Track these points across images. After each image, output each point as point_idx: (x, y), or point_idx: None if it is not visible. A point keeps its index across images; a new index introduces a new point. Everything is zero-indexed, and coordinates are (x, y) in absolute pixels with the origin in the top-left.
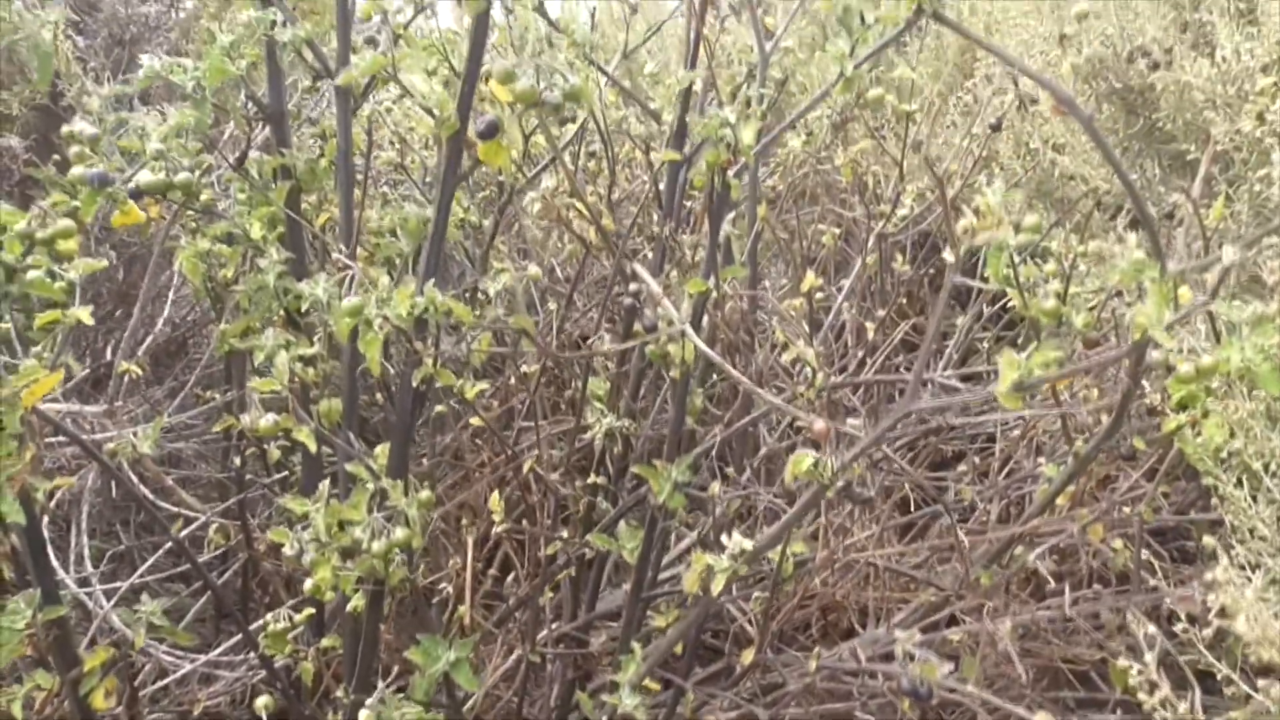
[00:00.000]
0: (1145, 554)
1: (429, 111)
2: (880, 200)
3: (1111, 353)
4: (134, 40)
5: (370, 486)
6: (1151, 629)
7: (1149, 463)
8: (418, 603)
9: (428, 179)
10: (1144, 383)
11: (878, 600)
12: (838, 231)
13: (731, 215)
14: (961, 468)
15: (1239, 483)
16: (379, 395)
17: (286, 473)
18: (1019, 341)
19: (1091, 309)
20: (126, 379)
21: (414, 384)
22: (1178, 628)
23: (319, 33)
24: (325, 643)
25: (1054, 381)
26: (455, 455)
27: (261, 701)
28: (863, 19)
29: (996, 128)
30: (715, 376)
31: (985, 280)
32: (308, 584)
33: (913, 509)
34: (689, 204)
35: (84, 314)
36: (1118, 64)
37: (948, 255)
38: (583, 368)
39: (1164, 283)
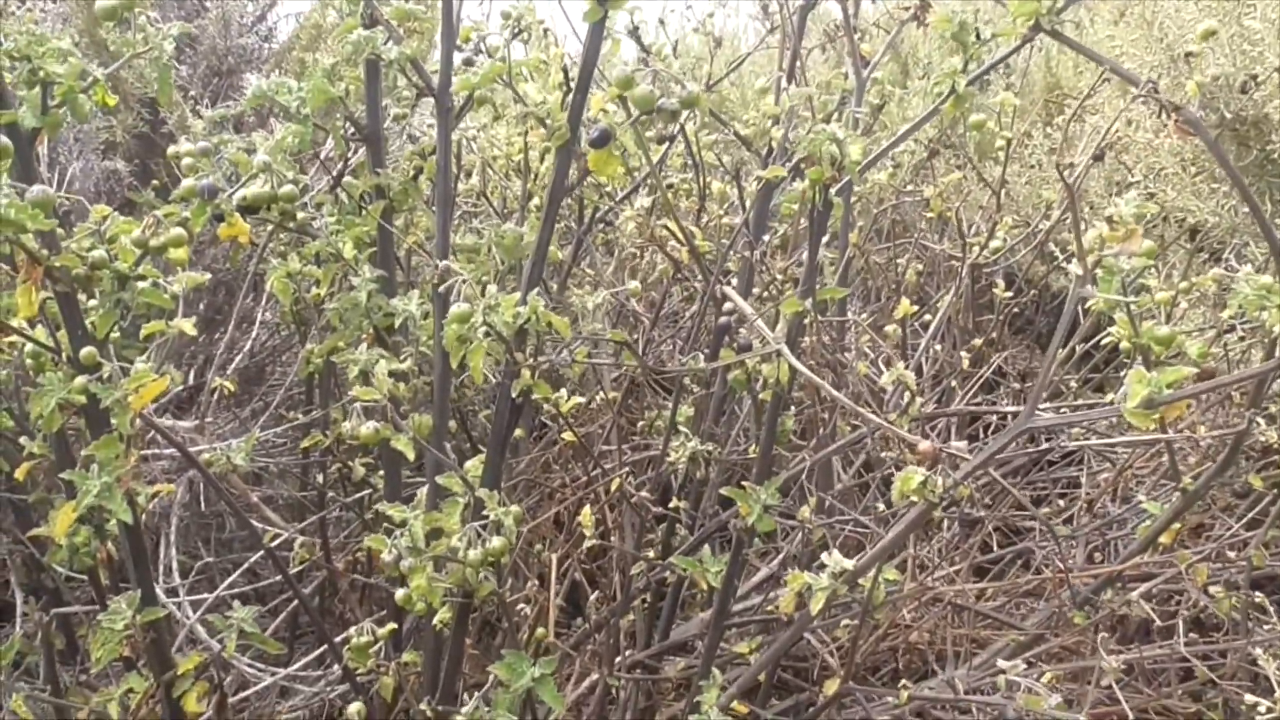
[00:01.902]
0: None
1: (541, 121)
2: (966, 235)
3: (1240, 373)
4: (230, 71)
5: (463, 499)
6: None
7: (1249, 511)
8: (504, 615)
9: (507, 208)
10: (1258, 420)
11: (957, 640)
12: (920, 268)
13: (825, 239)
14: (1045, 510)
15: None
16: (452, 423)
17: (369, 490)
18: (1103, 387)
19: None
20: (216, 396)
21: (512, 395)
22: None
23: (421, 51)
24: (406, 657)
25: (1182, 399)
26: (530, 482)
27: (354, 708)
28: (978, 35)
29: (1099, 158)
30: (794, 408)
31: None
32: (399, 594)
33: (994, 551)
34: (766, 237)
35: (187, 325)
36: (1230, 94)
37: (1074, 268)
38: (673, 388)
39: None
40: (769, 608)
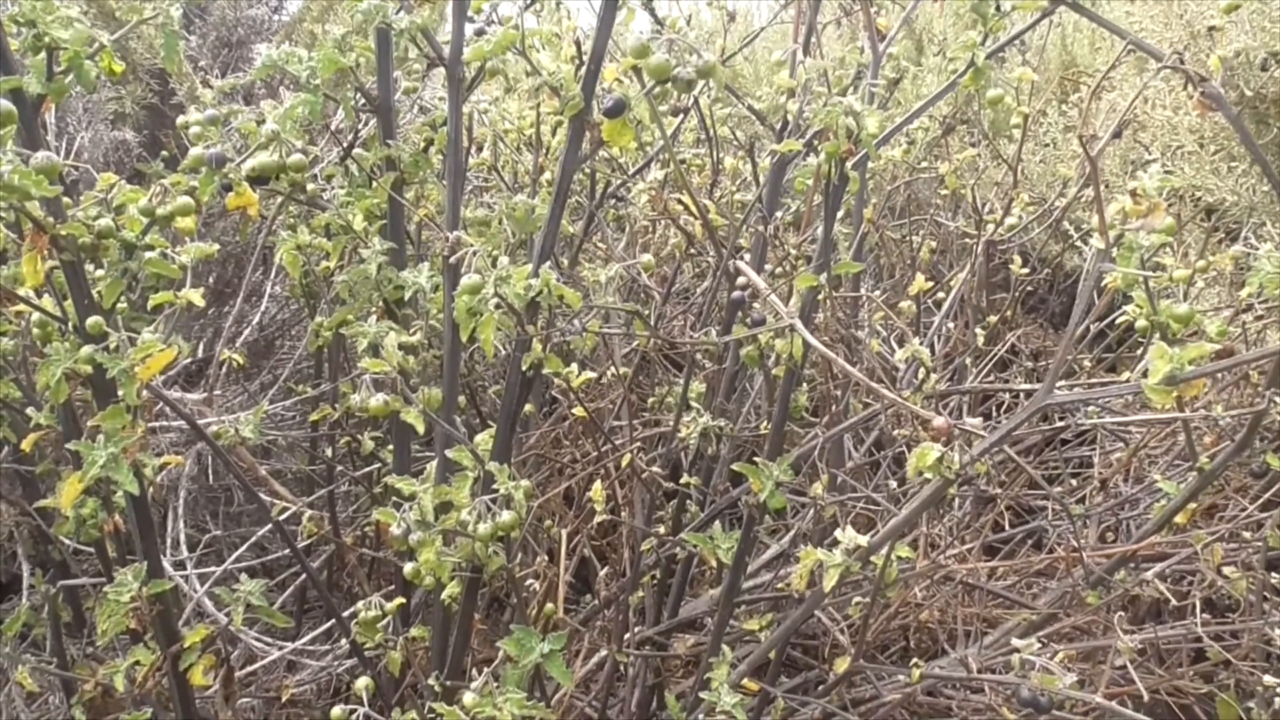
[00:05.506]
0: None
1: (555, 91)
2: (981, 213)
3: (1260, 350)
4: (240, 42)
5: (472, 473)
6: None
7: (1265, 492)
8: (513, 591)
9: (518, 181)
10: (1277, 400)
11: (969, 618)
12: (934, 245)
13: (839, 214)
14: (1058, 489)
15: None
16: (461, 399)
17: (378, 465)
18: (1116, 367)
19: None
20: (224, 369)
21: (523, 368)
22: None
23: (432, 22)
24: (414, 632)
25: (1202, 376)
26: (540, 457)
27: (361, 682)
28: (998, 7)
29: (1118, 134)
30: (806, 384)
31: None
32: (408, 568)
33: (1006, 530)
34: (779, 213)
35: (195, 296)
36: (1250, 71)
37: (1096, 241)
38: (684, 364)
39: None
40: (779, 585)
